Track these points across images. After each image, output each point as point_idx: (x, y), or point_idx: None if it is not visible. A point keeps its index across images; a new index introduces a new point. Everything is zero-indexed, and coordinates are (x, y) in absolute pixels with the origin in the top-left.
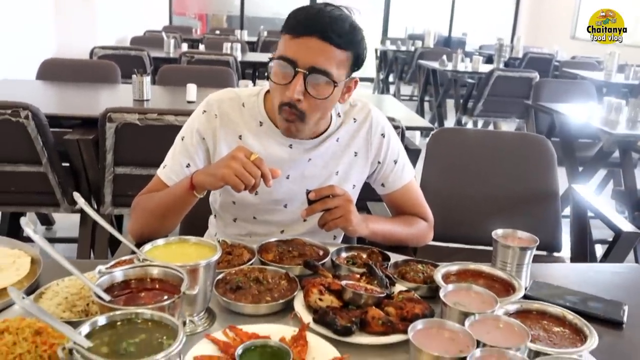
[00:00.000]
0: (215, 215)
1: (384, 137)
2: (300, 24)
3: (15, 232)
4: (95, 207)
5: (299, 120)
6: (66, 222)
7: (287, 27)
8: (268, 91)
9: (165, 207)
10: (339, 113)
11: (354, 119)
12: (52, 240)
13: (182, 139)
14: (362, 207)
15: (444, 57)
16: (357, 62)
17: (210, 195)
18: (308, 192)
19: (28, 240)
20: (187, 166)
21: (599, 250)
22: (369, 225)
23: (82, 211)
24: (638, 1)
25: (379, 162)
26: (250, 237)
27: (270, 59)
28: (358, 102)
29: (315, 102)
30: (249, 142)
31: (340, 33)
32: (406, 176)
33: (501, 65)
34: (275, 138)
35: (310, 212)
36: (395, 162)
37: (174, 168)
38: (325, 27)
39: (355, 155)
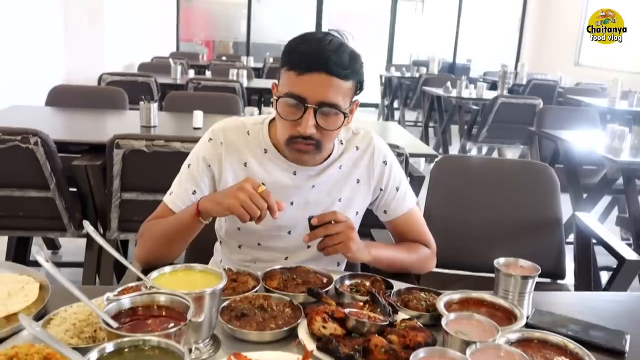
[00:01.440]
0: (220, 242)
1: (386, 164)
2: (305, 60)
3: (22, 256)
4: (102, 232)
5: (316, 149)
6: (72, 247)
7: (291, 63)
8: (273, 120)
9: (172, 233)
10: (341, 141)
11: (357, 147)
12: (58, 265)
13: (189, 167)
14: (366, 234)
15: (449, 83)
16: (359, 88)
17: (216, 223)
18: (310, 219)
19: (35, 265)
20: (193, 193)
21: (605, 277)
22: (372, 252)
23: (88, 236)
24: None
25: (381, 190)
26: (255, 263)
27: (278, 98)
28: (361, 131)
29: (329, 132)
30: (254, 169)
31: (344, 65)
32: (408, 204)
33: (505, 92)
34: (280, 165)
35: (312, 238)
36: (398, 189)
37: (180, 195)
38: (329, 62)
39: (358, 183)
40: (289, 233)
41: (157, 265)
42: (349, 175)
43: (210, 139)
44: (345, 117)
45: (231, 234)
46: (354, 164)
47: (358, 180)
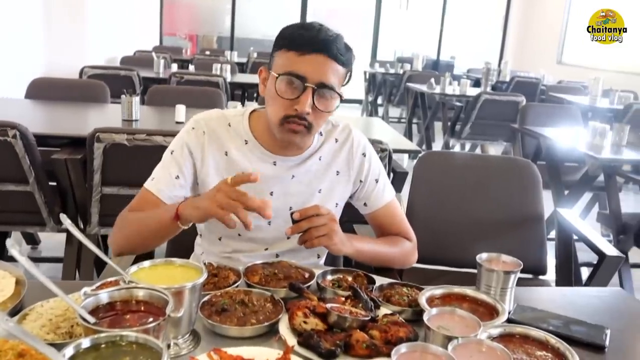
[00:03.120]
0: (200, 235)
1: (364, 156)
2: (307, 42)
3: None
4: (82, 226)
5: (306, 131)
6: (51, 242)
7: (291, 45)
8: (253, 111)
9: (149, 230)
10: (320, 132)
11: (336, 139)
12: (37, 260)
13: (172, 153)
14: (348, 229)
15: (432, 80)
16: (348, 79)
17: None
18: (292, 213)
19: (13, 260)
20: (176, 177)
21: (585, 273)
22: (354, 244)
23: (68, 231)
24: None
25: (360, 181)
26: (234, 254)
27: (278, 75)
28: (340, 123)
29: (321, 114)
30: (234, 158)
31: (342, 52)
32: (387, 196)
33: (488, 89)
34: (259, 155)
35: (295, 230)
36: (377, 181)
37: (163, 179)
38: (330, 45)
39: (337, 174)
40: (269, 224)
41: (129, 254)
42: (328, 166)
43: (193, 128)
44: (340, 100)
45: (211, 227)
46: (333, 156)
47: (337, 171)
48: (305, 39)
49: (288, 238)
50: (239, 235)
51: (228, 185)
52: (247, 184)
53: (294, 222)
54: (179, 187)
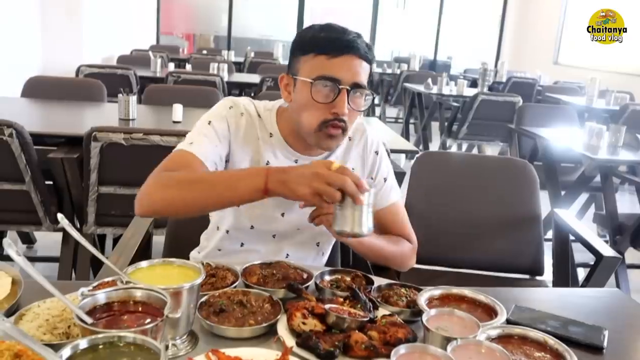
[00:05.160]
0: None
1: (377, 154)
2: (337, 44)
3: None
4: (78, 226)
5: (343, 133)
6: (47, 241)
7: (319, 48)
8: (280, 107)
9: (217, 194)
10: None
11: (349, 137)
12: (32, 260)
13: (209, 123)
14: None
15: (429, 80)
16: (371, 75)
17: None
18: None
19: (9, 259)
20: (215, 146)
21: (581, 273)
22: None
23: (64, 230)
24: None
25: (371, 179)
26: (242, 245)
27: (314, 79)
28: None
29: (354, 114)
30: (262, 147)
31: (367, 49)
32: (393, 196)
33: (485, 89)
34: (282, 152)
35: (307, 204)
36: (385, 179)
37: (205, 144)
38: (358, 45)
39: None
40: (282, 215)
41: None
42: (343, 163)
43: (231, 107)
44: (372, 97)
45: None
46: (348, 153)
47: (353, 168)
48: (333, 41)
49: (298, 229)
50: (252, 227)
51: (327, 171)
52: None
53: None
54: (218, 156)
